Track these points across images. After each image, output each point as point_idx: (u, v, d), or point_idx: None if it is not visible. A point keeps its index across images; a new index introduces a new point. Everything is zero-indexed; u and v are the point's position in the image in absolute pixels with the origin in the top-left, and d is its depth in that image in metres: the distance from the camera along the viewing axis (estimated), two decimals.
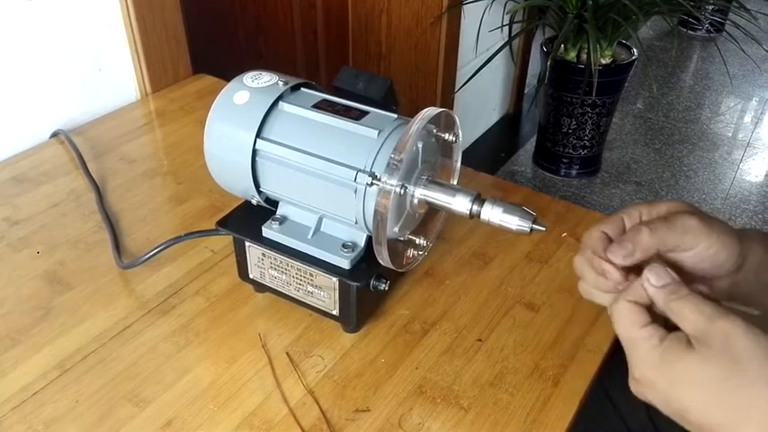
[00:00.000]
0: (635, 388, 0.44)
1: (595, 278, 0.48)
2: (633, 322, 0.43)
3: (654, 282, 0.43)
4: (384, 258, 0.56)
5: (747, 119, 2.71)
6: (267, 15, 1.69)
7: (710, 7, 2.50)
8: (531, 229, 0.52)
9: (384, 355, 0.63)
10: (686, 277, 0.45)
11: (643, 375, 0.43)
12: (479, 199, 0.54)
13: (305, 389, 0.59)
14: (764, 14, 2.01)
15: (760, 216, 2.11)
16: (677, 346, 0.41)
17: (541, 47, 2.09)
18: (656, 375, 0.42)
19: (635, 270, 0.46)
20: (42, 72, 0.95)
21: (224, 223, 0.65)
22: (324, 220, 0.62)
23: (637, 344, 0.43)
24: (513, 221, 0.52)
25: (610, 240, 0.47)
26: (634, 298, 0.44)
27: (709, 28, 3.29)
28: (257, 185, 0.61)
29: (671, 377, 0.41)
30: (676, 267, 0.46)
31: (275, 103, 0.60)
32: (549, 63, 1.89)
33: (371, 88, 0.60)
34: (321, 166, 0.57)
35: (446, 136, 0.58)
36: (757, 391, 0.39)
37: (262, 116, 0.59)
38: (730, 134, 2.58)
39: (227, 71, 0.72)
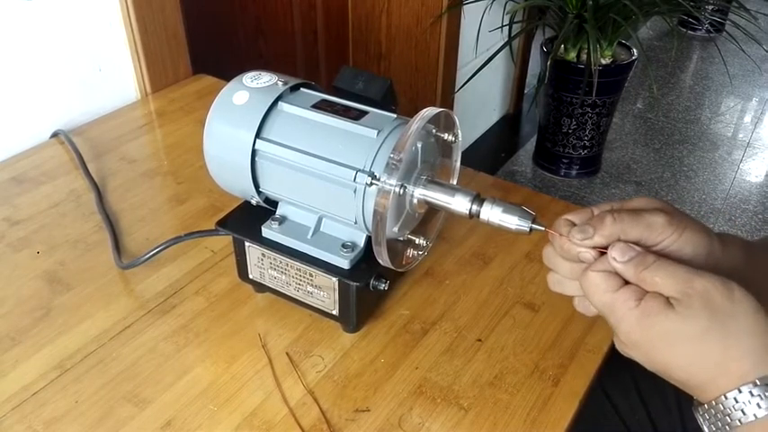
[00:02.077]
0: (620, 348, 0.45)
1: (563, 265, 0.49)
2: (606, 288, 0.44)
3: (619, 257, 0.44)
4: (384, 258, 0.56)
5: (747, 119, 2.71)
6: (267, 15, 1.69)
7: (710, 7, 2.50)
8: (531, 229, 0.52)
9: (384, 355, 0.63)
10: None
11: (626, 337, 0.43)
12: (479, 199, 0.54)
13: (305, 389, 0.59)
14: (764, 14, 2.01)
15: (760, 216, 2.11)
16: (656, 306, 0.42)
17: (541, 47, 2.09)
18: (638, 336, 0.43)
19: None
20: (42, 72, 0.95)
21: (224, 223, 0.65)
22: (323, 220, 0.62)
23: (614, 308, 0.44)
24: (513, 221, 0.52)
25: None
26: (603, 268, 0.44)
27: (709, 28, 3.29)
28: (257, 186, 0.61)
29: (653, 337, 0.42)
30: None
31: (275, 104, 0.60)
32: (549, 63, 1.89)
33: (371, 88, 0.60)
34: (320, 166, 0.57)
35: (446, 136, 0.58)
36: (735, 342, 0.40)
37: (261, 116, 0.59)
38: (730, 134, 2.58)
39: (227, 71, 0.72)
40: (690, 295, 0.41)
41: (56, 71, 0.97)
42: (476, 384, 0.60)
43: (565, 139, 2.16)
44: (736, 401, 0.40)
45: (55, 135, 0.96)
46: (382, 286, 0.62)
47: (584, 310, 0.49)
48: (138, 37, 1.03)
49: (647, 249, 0.45)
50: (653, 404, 0.72)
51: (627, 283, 0.44)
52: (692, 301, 0.41)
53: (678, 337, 0.41)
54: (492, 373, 0.61)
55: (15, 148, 0.93)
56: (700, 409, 0.43)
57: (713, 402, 0.41)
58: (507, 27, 1.94)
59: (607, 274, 0.44)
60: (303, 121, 0.59)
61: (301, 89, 0.62)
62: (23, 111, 0.94)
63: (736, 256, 0.48)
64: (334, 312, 0.63)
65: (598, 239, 0.45)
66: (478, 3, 1.87)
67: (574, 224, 0.48)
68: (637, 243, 0.45)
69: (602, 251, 0.45)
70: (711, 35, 3.32)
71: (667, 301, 0.42)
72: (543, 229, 0.52)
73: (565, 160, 2.23)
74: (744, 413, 0.40)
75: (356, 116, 0.58)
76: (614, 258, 0.44)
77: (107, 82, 1.04)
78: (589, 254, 0.46)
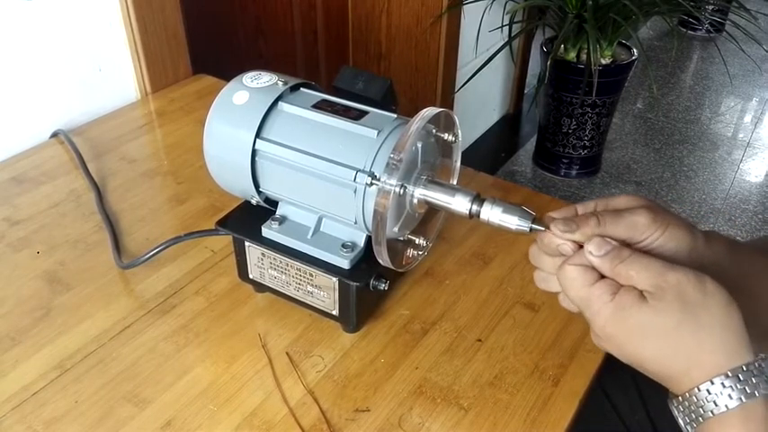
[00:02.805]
0: (596, 341, 0.46)
1: (547, 261, 0.49)
2: (582, 283, 0.44)
3: (595, 252, 0.44)
4: (384, 258, 0.56)
5: (747, 119, 2.72)
6: (267, 15, 1.69)
7: (710, 7, 2.50)
8: (531, 229, 0.52)
9: (384, 355, 0.63)
10: None
11: (601, 330, 0.44)
12: (479, 199, 0.54)
13: (305, 389, 0.59)
14: (764, 14, 2.00)
15: (760, 216, 2.11)
16: (630, 300, 0.42)
17: (541, 47, 2.09)
18: (612, 330, 0.43)
19: None
20: (42, 72, 0.95)
21: (224, 223, 0.65)
22: (323, 220, 0.62)
23: (590, 301, 0.44)
24: (513, 221, 0.52)
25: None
26: (579, 262, 0.45)
27: (709, 28, 3.29)
28: (257, 185, 0.61)
29: (626, 330, 0.43)
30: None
31: (275, 104, 0.60)
32: (548, 63, 1.89)
33: (371, 88, 0.60)
34: (321, 166, 0.57)
35: (446, 136, 0.58)
36: (707, 334, 0.41)
37: (261, 116, 0.59)
38: (730, 134, 2.58)
39: (227, 71, 0.72)
40: (663, 288, 0.41)
41: (56, 71, 0.97)
42: (476, 384, 0.60)
43: (565, 139, 2.16)
44: (709, 393, 0.41)
45: (55, 135, 0.96)
46: (382, 286, 0.62)
47: (567, 306, 0.49)
48: (138, 37, 1.03)
49: (630, 247, 0.45)
50: (653, 404, 0.72)
51: (603, 277, 0.44)
52: (665, 294, 0.41)
53: (651, 330, 0.42)
54: (492, 373, 0.61)
55: (15, 148, 0.93)
56: (674, 401, 0.43)
57: (687, 394, 0.42)
58: (507, 27, 1.94)
59: (584, 269, 0.45)
60: (303, 121, 0.59)
61: (301, 89, 0.62)
62: (23, 111, 0.94)
63: (720, 252, 0.48)
64: (335, 312, 0.63)
65: (579, 237, 0.46)
66: (478, 3, 1.87)
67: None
68: (620, 243, 0.45)
69: (581, 246, 0.46)
70: (711, 35, 3.32)
71: (641, 294, 0.42)
72: (544, 229, 0.52)
73: (565, 160, 2.23)
74: (716, 404, 0.40)
75: (356, 116, 0.58)
76: (590, 252, 0.44)
77: (107, 82, 1.04)
78: (568, 246, 0.47)
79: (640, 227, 0.45)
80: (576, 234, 0.46)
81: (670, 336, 0.41)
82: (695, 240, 0.46)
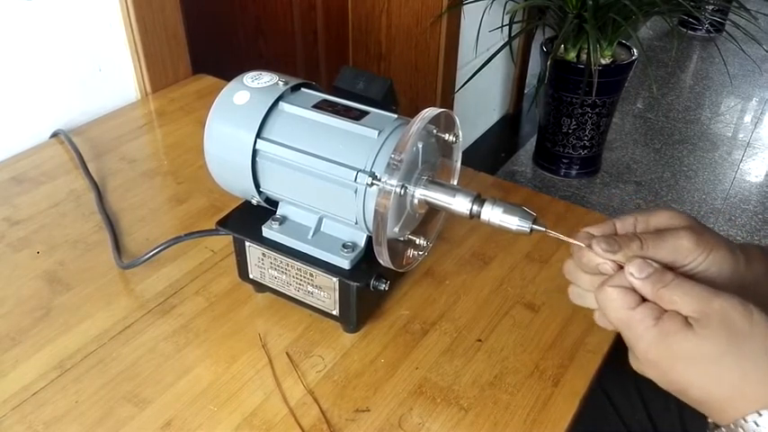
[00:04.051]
0: (635, 366, 0.45)
1: (583, 278, 0.48)
2: (622, 305, 0.43)
3: (637, 274, 0.43)
4: (384, 258, 0.56)
5: (747, 119, 2.72)
6: (267, 16, 1.69)
7: (710, 7, 2.50)
8: (531, 230, 0.52)
9: (384, 355, 0.63)
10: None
11: (643, 356, 0.43)
12: (479, 199, 0.54)
13: (305, 389, 0.59)
14: (764, 14, 2.01)
15: (760, 216, 2.11)
16: (675, 326, 0.41)
17: (541, 47, 2.09)
18: (655, 355, 0.42)
19: None
20: (42, 72, 0.95)
21: (224, 223, 0.65)
22: (324, 220, 0.62)
23: (631, 325, 0.43)
24: (513, 222, 0.52)
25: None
26: (620, 283, 0.44)
27: (709, 28, 3.29)
28: (257, 185, 0.61)
29: (671, 356, 0.41)
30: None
31: (275, 104, 0.60)
32: (548, 63, 1.89)
33: (371, 88, 0.60)
34: (321, 167, 0.57)
35: (446, 136, 0.58)
36: (752, 364, 0.40)
37: (262, 116, 0.59)
38: (730, 134, 2.58)
39: (227, 71, 0.72)
40: (708, 315, 0.40)
41: (56, 71, 0.97)
42: (476, 384, 0.60)
43: (565, 139, 2.16)
44: (757, 425, 0.39)
45: (55, 135, 0.96)
46: (382, 286, 0.61)
47: (604, 324, 0.48)
48: (138, 37, 1.03)
49: (673, 270, 0.44)
50: (653, 404, 0.72)
51: (644, 299, 0.43)
52: (710, 322, 0.40)
53: (696, 358, 0.40)
54: (492, 373, 0.61)
55: (15, 148, 0.93)
56: (716, 430, 0.42)
57: (731, 426, 0.40)
58: (507, 27, 1.94)
59: (624, 290, 0.43)
60: (304, 121, 0.59)
61: (302, 89, 0.62)
62: (23, 111, 0.94)
63: (760, 271, 0.47)
64: (335, 312, 0.63)
65: (621, 258, 0.45)
66: (478, 3, 1.87)
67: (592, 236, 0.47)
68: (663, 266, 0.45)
69: (622, 265, 0.45)
70: (711, 35, 3.32)
71: (686, 320, 0.41)
72: (544, 229, 0.52)
73: (565, 160, 2.23)
74: None
75: (357, 116, 0.58)
76: (631, 274, 0.43)
77: (107, 82, 1.04)
78: (608, 266, 0.45)
79: (684, 251, 0.44)
80: (619, 255, 0.45)
81: (715, 364, 0.40)
82: (737, 263, 0.46)
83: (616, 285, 0.44)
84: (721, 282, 0.45)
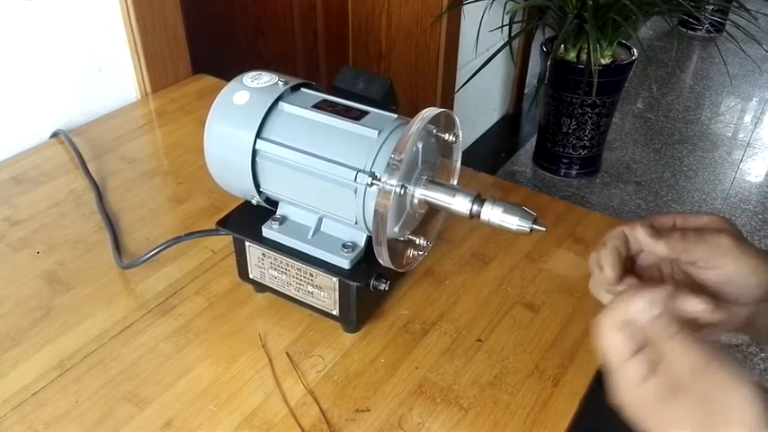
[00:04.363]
0: (614, 401, 0.44)
1: (598, 274, 0.48)
2: (621, 352, 0.42)
3: (648, 308, 0.41)
4: (384, 258, 0.56)
5: (747, 119, 2.71)
6: (267, 16, 1.69)
7: (710, 7, 2.50)
8: (531, 229, 0.52)
9: (384, 355, 0.63)
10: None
11: (620, 399, 0.42)
12: (479, 199, 0.54)
13: (305, 389, 0.59)
14: (764, 14, 2.00)
15: (760, 216, 2.11)
16: (661, 390, 0.40)
17: (541, 47, 2.09)
18: (632, 407, 0.41)
19: (634, 275, 0.47)
20: (42, 72, 0.95)
21: (224, 223, 0.65)
22: (324, 220, 0.62)
23: (622, 373, 0.42)
24: (513, 221, 0.52)
25: (627, 244, 0.47)
26: (619, 318, 0.42)
27: (709, 28, 3.29)
28: (257, 185, 0.61)
29: (645, 413, 0.41)
30: (700, 288, 0.45)
31: (275, 104, 0.60)
32: (548, 63, 1.89)
33: (371, 88, 0.60)
34: (321, 167, 0.57)
35: (446, 136, 0.58)
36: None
37: (262, 116, 0.59)
38: (730, 134, 2.58)
39: (227, 71, 0.72)
40: (695, 385, 0.39)
41: (56, 71, 0.97)
42: (476, 384, 0.60)
43: (565, 139, 2.16)
44: None
45: (55, 135, 0.96)
46: (382, 286, 0.61)
47: (599, 297, 0.48)
48: (138, 37, 1.03)
49: (705, 274, 0.45)
50: None
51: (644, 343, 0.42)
52: (694, 391, 0.39)
53: (678, 424, 0.40)
54: (492, 373, 0.61)
55: (15, 148, 0.93)
56: None
57: None
58: (507, 27, 1.94)
59: (626, 337, 0.41)
60: (304, 121, 0.59)
61: (302, 89, 0.62)
62: (23, 111, 0.94)
63: None
64: (335, 312, 0.63)
65: (662, 248, 0.45)
66: (478, 3, 1.87)
67: (627, 237, 0.47)
68: (701, 263, 0.45)
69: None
70: (711, 35, 3.32)
71: (674, 384, 0.40)
72: (544, 229, 0.52)
73: (565, 160, 2.23)
74: None
75: (357, 116, 0.58)
76: (644, 300, 0.41)
77: (107, 82, 1.04)
78: (610, 271, 0.45)
79: (722, 250, 0.44)
80: (660, 243, 0.45)
81: (689, 428, 0.39)
82: (766, 272, 0.45)
83: (615, 319, 0.42)
84: (748, 289, 0.45)
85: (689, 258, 0.45)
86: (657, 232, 0.45)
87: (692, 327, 0.41)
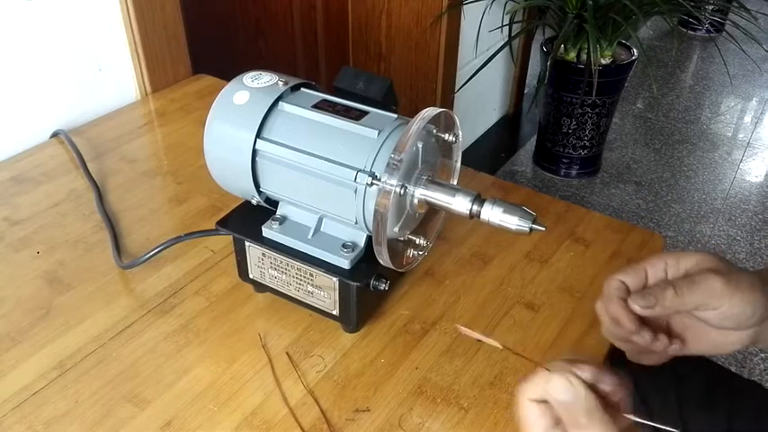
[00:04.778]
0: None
1: (610, 324, 0.49)
2: (535, 422, 0.42)
3: (560, 394, 0.41)
4: (384, 258, 0.56)
5: (747, 119, 2.71)
6: (267, 16, 1.69)
7: (710, 7, 2.50)
8: (531, 229, 0.52)
9: (384, 355, 0.63)
10: (712, 328, 0.48)
11: None
12: (479, 199, 0.54)
13: (305, 389, 0.59)
14: (764, 14, 2.01)
15: (760, 216, 2.11)
16: None
17: (541, 47, 2.09)
18: None
19: (648, 323, 0.48)
20: (42, 72, 0.95)
21: (224, 223, 0.65)
22: (324, 220, 0.62)
23: None
24: (513, 221, 0.52)
25: (628, 291, 0.48)
26: (539, 396, 0.42)
27: (709, 28, 3.29)
28: (257, 185, 0.61)
29: None
30: (705, 322, 0.47)
31: (275, 104, 0.60)
32: (549, 63, 1.90)
33: (371, 88, 0.60)
34: (321, 167, 0.57)
35: (446, 136, 0.58)
36: None
37: (262, 116, 0.59)
38: (730, 134, 2.58)
39: (227, 71, 0.72)
40: None
41: (56, 71, 0.97)
42: (476, 384, 0.60)
43: (565, 139, 2.16)
44: None
45: (55, 135, 0.96)
46: (382, 286, 0.61)
47: (611, 339, 0.50)
48: (138, 37, 1.03)
49: (704, 315, 0.46)
50: (653, 404, 0.72)
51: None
52: None
53: None
54: (492, 373, 0.61)
55: (15, 148, 0.93)
56: None
57: None
58: (507, 27, 1.94)
59: (541, 412, 0.42)
60: (304, 121, 0.59)
61: (302, 89, 0.62)
62: (23, 111, 0.94)
63: None
64: (335, 312, 0.63)
65: (660, 310, 0.46)
66: (478, 3, 1.87)
67: (627, 287, 0.48)
68: (698, 309, 0.46)
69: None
70: (711, 35, 3.32)
71: None
72: (544, 229, 0.52)
73: (565, 160, 2.23)
74: None
75: (357, 116, 0.58)
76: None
77: (107, 82, 1.04)
78: (629, 323, 0.47)
79: (716, 295, 0.45)
80: (657, 308, 0.46)
81: None
82: (762, 296, 0.47)
83: (535, 399, 0.42)
84: (745, 319, 0.46)
85: (686, 309, 0.47)
86: (651, 298, 0.46)
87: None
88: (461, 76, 1.98)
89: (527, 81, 2.57)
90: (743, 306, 0.46)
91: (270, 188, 0.62)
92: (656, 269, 0.49)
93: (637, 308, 0.46)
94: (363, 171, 0.55)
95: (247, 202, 0.65)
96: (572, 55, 1.99)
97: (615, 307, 0.47)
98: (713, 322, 0.48)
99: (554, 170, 2.26)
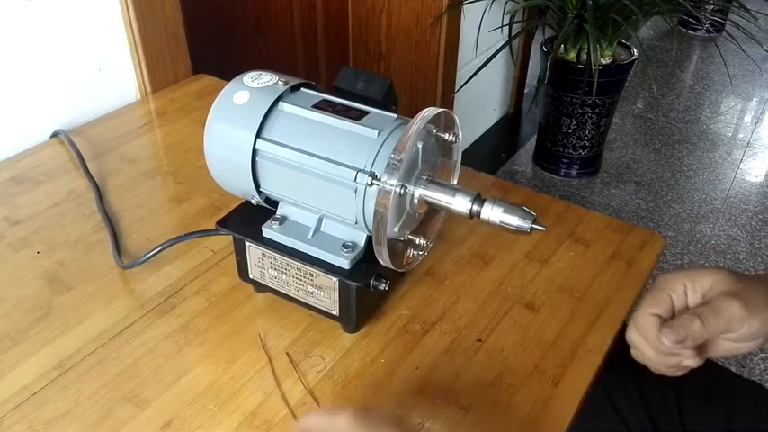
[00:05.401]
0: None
1: (662, 357, 0.52)
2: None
3: None
4: (384, 258, 0.56)
5: (747, 119, 2.71)
6: (267, 15, 1.69)
7: (710, 7, 2.50)
8: (531, 229, 0.52)
9: (384, 355, 0.63)
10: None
11: None
12: (479, 199, 0.54)
13: (305, 389, 0.59)
14: (764, 14, 2.00)
15: (760, 216, 2.11)
16: None
17: (541, 47, 2.09)
18: None
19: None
20: (42, 72, 0.95)
21: (224, 223, 0.65)
22: (324, 220, 0.62)
23: None
24: (513, 221, 0.52)
25: (662, 320, 0.52)
26: (306, 424, 0.46)
27: (709, 28, 3.29)
28: (257, 185, 0.61)
29: None
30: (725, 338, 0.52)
31: (275, 104, 0.60)
32: (549, 63, 1.89)
33: (371, 88, 0.60)
34: (321, 167, 0.57)
35: (446, 136, 0.58)
36: None
37: (262, 116, 0.59)
38: (730, 134, 2.58)
39: (227, 71, 0.72)
40: None
41: (56, 71, 0.97)
42: (476, 384, 0.60)
43: (565, 139, 2.16)
44: None
45: (55, 135, 0.96)
46: (382, 286, 0.61)
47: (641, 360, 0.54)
48: (138, 37, 1.03)
49: (726, 336, 0.51)
50: (653, 404, 0.72)
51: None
52: None
53: None
54: (492, 373, 0.61)
55: (15, 148, 0.93)
56: None
57: None
58: (507, 27, 1.94)
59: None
60: (304, 121, 0.59)
61: (302, 89, 0.62)
62: (23, 111, 0.94)
63: None
64: (335, 312, 0.63)
65: (690, 343, 0.50)
66: (478, 3, 1.87)
67: (660, 317, 0.52)
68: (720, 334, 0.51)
69: None
70: (711, 35, 3.32)
71: None
72: (544, 229, 0.52)
73: (565, 160, 2.23)
74: None
75: (357, 116, 0.58)
76: None
77: (107, 82, 1.04)
78: (688, 351, 0.52)
79: (737, 318, 0.49)
80: (689, 341, 0.49)
81: None
82: None
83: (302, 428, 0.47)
84: (761, 334, 0.51)
85: (712, 337, 0.51)
86: (681, 331, 0.50)
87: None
88: (461, 76, 1.98)
89: (527, 81, 2.57)
90: (760, 325, 0.50)
91: (270, 188, 0.62)
92: (677, 293, 0.52)
93: (668, 343, 0.50)
94: (363, 171, 0.55)
95: (247, 202, 0.65)
96: (572, 55, 1.99)
97: (668, 342, 0.50)
98: (732, 338, 0.52)
99: (554, 170, 2.26)
